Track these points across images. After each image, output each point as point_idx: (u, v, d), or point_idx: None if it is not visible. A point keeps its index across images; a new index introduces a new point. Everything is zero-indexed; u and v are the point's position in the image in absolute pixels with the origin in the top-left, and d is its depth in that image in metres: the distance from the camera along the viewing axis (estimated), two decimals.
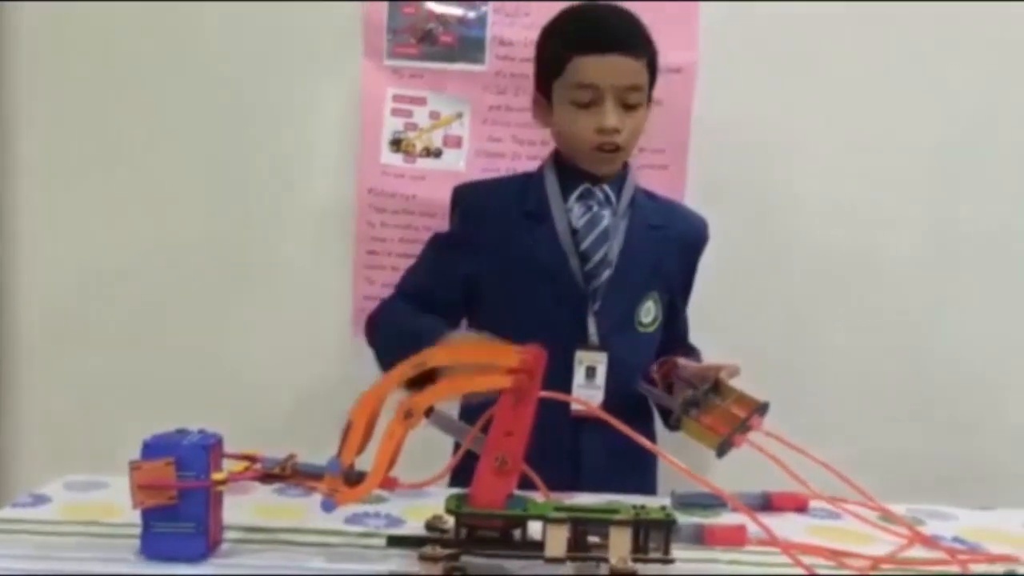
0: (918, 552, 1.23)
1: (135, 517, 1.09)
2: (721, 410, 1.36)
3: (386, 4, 2.11)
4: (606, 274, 1.64)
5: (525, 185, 1.71)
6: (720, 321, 2.01)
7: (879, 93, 2.13)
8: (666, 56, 2.01)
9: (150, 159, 2.17)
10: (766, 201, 2.16)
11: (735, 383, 1.43)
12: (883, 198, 2.15)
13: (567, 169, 1.68)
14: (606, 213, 1.66)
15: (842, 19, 2.12)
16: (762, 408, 1.38)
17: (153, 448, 1.09)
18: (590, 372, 1.58)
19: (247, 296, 2.17)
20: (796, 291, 2.16)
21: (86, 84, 2.16)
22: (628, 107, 1.60)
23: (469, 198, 1.73)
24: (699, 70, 2.10)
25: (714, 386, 1.41)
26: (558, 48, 1.62)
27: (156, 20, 2.14)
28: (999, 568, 1.19)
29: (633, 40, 1.61)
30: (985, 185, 2.15)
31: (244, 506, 1.27)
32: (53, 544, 1.14)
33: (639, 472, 1.63)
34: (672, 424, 1.38)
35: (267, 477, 1.32)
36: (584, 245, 1.64)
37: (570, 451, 1.52)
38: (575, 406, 1.48)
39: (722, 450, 1.31)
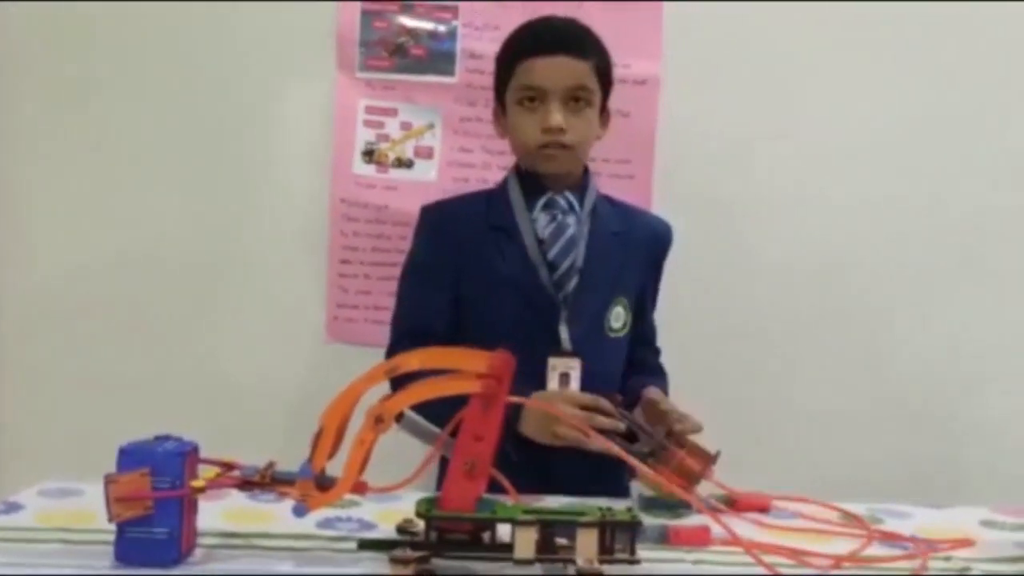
0: (878, 550, 1.24)
1: (110, 524, 1.08)
2: (677, 462, 1.38)
3: (358, 18, 2.11)
4: (574, 281, 1.64)
5: (490, 199, 1.72)
6: (687, 326, 2.02)
7: (841, 101, 2.15)
8: (630, 68, 2.06)
9: (127, 168, 2.15)
10: (731, 208, 2.17)
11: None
12: (848, 202, 2.17)
13: (529, 180, 1.68)
14: (571, 221, 1.66)
15: (801, 29, 2.14)
16: (714, 458, 1.40)
17: (129, 455, 1.08)
18: (564, 378, 1.58)
19: (222, 304, 2.16)
20: (763, 295, 2.18)
21: (67, 90, 2.15)
22: (575, 108, 1.61)
23: (436, 218, 1.73)
24: (663, 82, 2.11)
25: (667, 433, 1.43)
26: (508, 54, 1.66)
27: (132, 33, 2.13)
28: (955, 563, 1.20)
29: (577, 42, 1.63)
30: (951, 188, 2.17)
31: (218, 511, 1.26)
32: (27, 551, 1.12)
33: (609, 474, 1.62)
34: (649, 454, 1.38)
35: (245, 484, 1.31)
36: (552, 254, 1.64)
37: (540, 455, 1.51)
38: None
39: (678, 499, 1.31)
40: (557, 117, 1.59)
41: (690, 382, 1.85)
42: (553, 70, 1.60)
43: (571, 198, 1.67)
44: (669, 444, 1.41)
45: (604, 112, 1.70)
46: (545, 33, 1.65)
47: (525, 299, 1.63)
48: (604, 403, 1.49)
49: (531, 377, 1.52)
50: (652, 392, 1.57)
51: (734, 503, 1.39)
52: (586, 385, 1.58)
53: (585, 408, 1.47)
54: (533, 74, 1.61)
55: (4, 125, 2.15)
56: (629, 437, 1.43)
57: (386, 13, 2.12)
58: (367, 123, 2.13)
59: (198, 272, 2.16)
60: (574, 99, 1.61)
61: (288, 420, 1.90)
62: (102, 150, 2.15)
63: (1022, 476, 1.33)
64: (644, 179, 2.13)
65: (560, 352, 1.60)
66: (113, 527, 1.07)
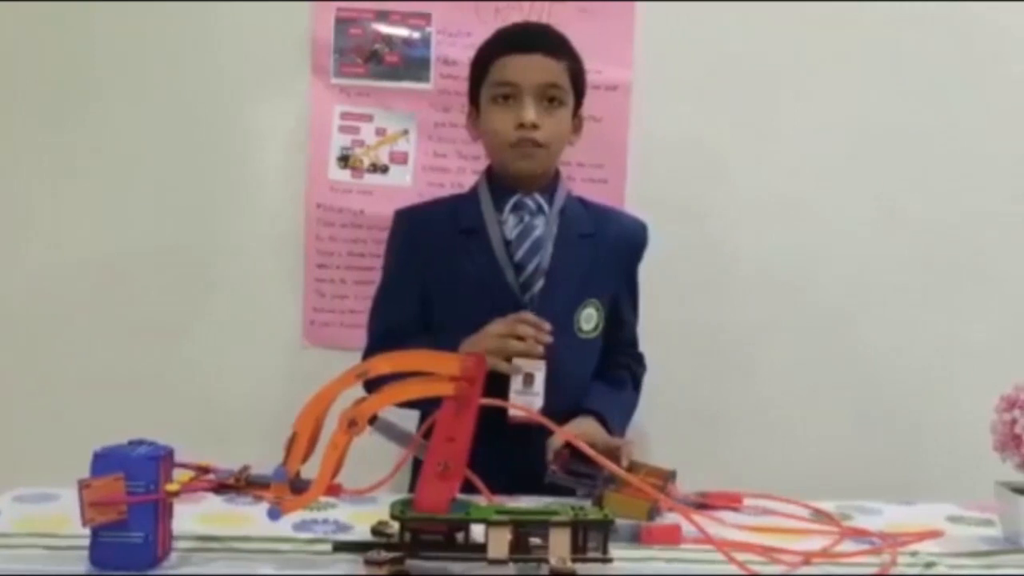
0: (847, 546, 1.24)
1: (85, 528, 1.07)
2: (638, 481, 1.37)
3: (333, 25, 2.11)
4: (540, 282, 1.64)
5: (461, 202, 1.73)
6: (661, 328, 2.01)
7: (810, 107, 2.16)
8: (602, 74, 2.06)
9: (102, 174, 2.13)
10: (702, 210, 2.17)
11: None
12: (817, 206, 2.17)
13: (500, 183, 1.69)
14: (539, 222, 1.67)
15: (772, 36, 2.15)
16: (672, 475, 1.41)
17: (103, 459, 1.07)
18: (528, 379, 1.57)
19: (198, 309, 2.15)
20: (734, 297, 2.18)
21: (45, 97, 2.12)
22: (548, 107, 1.62)
23: (408, 222, 1.74)
24: (634, 87, 2.12)
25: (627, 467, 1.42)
26: (484, 54, 1.67)
27: (108, 39, 2.12)
28: (922, 558, 1.20)
29: (550, 41, 1.65)
30: (918, 194, 2.18)
31: (195, 515, 1.25)
32: (3, 556, 1.11)
33: None
34: (593, 501, 1.36)
35: (221, 487, 1.30)
36: (518, 256, 1.65)
37: (509, 455, 1.51)
38: (513, 412, 1.47)
39: (652, 515, 1.30)
40: (531, 113, 1.60)
41: (662, 383, 1.87)
42: (527, 67, 1.61)
43: (540, 200, 1.68)
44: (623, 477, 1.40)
45: (576, 118, 1.71)
46: (520, 33, 1.69)
47: (491, 300, 1.62)
48: (527, 316, 1.54)
49: (497, 377, 1.51)
50: (581, 438, 1.37)
51: (706, 501, 1.40)
52: (554, 386, 1.57)
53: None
54: (507, 70, 1.62)
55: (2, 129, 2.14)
56: (590, 475, 1.40)
57: (361, 20, 2.11)
58: (342, 129, 2.13)
59: (175, 277, 2.14)
60: (548, 98, 1.62)
61: (266, 424, 1.88)
62: (77, 158, 2.13)
63: (987, 473, 1.34)
64: (617, 183, 2.14)
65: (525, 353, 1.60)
66: (88, 531, 1.07)
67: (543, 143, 1.62)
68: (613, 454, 1.41)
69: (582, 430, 1.52)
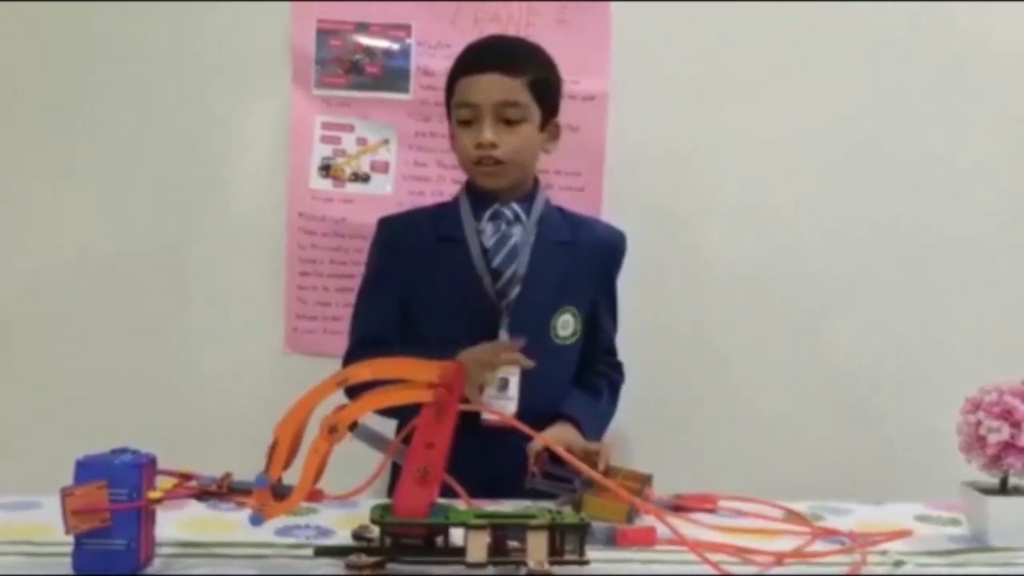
0: (818, 546, 1.25)
1: (68, 536, 1.06)
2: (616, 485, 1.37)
3: (314, 36, 2.10)
4: (516, 290, 1.65)
5: (441, 212, 1.74)
6: (638, 329, 2.03)
7: (779, 115, 2.17)
8: (579, 85, 2.07)
9: (85, 181, 2.12)
10: (678, 215, 2.18)
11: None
12: (789, 210, 2.19)
13: (479, 193, 1.69)
14: (516, 231, 1.67)
15: (742, 48, 2.16)
16: (649, 479, 1.41)
17: (86, 467, 1.06)
18: (503, 383, 1.58)
19: (181, 316, 2.14)
20: (708, 300, 2.19)
21: (29, 103, 2.11)
22: (508, 124, 1.62)
23: (389, 230, 1.74)
24: (611, 97, 2.12)
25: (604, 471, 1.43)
26: (451, 74, 1.68)
27: (93, 47, 2.11)
28: (891, 557, 1.21)
29: (507, 60, 1.64)
30: (888, 199, 2.19)
31: (177, 522, 1.25)
32: None
33: None
34: (572, 505, 1.36)
35: (203, 494, 1.29)
36: (495, 263, 1.66)
37: (484, 460, 1.51)
38: (485, 416, 1.47)
39: (631, 518, 1.30)
40: (487, 134, 1.61)
41: (639, 386, 1.87)
42: (483, 87, 1.62)
43: (518, 209, 1.68)
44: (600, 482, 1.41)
45: (553, 126, 1.71)
46: (477, 52, 1.68)
47: (469, 306, 1.64)
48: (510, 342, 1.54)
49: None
50: (560, 442, 1.40)
51: (681, 503, 1.40)
52: (530, 391, 1.58)
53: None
54: (467, 91, 1.63)
55: None
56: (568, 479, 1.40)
57: (341, 32, 2.11)
58: (324, 139, 2.12)
59: (158, 284, 2.13)
60: (506, 117, 1.62)
61: (249, 430, 1.87)
62: (66, 164, 2.12)
63: (954, 474, 1.35)
64: (594, 190, 2.14)
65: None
66: (71, 539, 1.06)
67: (503, 160, 1.63)
68: (591, 459, 1.42)
69: (560, 435, 1.52)
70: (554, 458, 1.34)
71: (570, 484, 1.36)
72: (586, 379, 1.75)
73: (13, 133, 2.12)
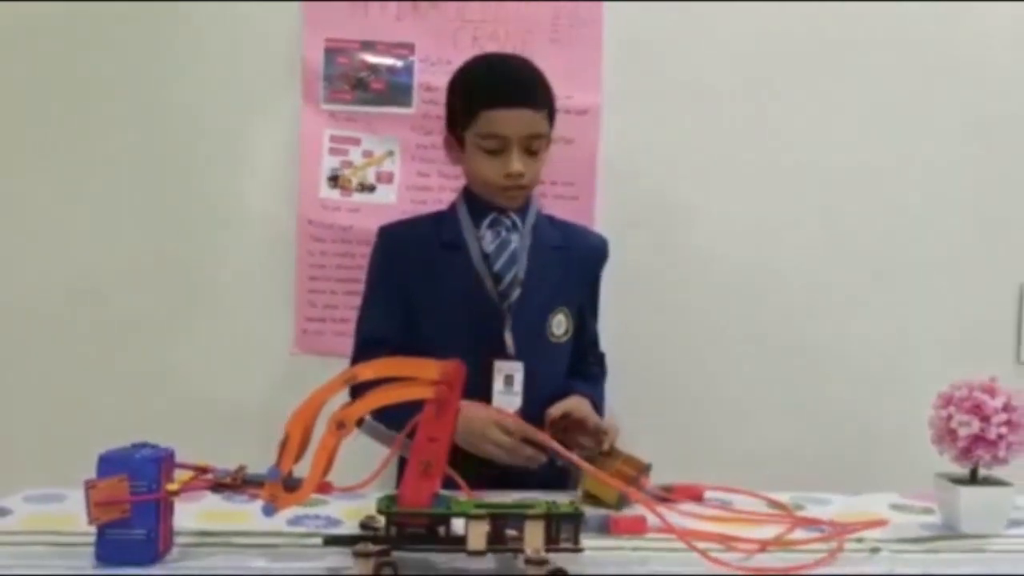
0: (800, 534, 1.25)
1: (91, 526, 1.07)
2: (615, 469, 1.40)
3: (322, 55, 2.11)
4: (517, 292, 1.65)
5: (441, 219, 1.73)
6: (628, 330, 2.04)
7: (762, 125, 2.18)
8: (573, 100, 2.08)
9: (116, 186, 2.13)
10: (666, 223, 2.18)
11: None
12: (770, 217, 2.19)
13: (477, 201, 1.69)
14: (514, 237, 1.67)
15: (726, 65, 2.17)
16: (647, 468, 1.43)
17: (108, 462, 1.07)
18: (508, 380, 1.59)
19: (199, 319, 2.14)
20: (695, 303, 2.19)
21: (44, 117, 2.12)
22: (531, 153, 1.62)
23: (391, 237, 1.73)
24: (603, 111, 2.13)
25: (601, 453, 1.46)
26: (469, 101, 1.62)
27: (112, 62, 2.12)
28: (867, 544, 1.22)
29: (535, 94, 1.62)
30: (866, 208, 2.20)
31: (194, 512, 1.25)
32: (15, 553, 1.11)
33: (556, 480, 1.62)
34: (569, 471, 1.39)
35: (218, 486, 1.29)
36: (496, 267, 1.66)
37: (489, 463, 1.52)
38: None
39: (620, 504, 1.33)
40: (518, 166, 1.59)
41: (629, 383, 1.88)
42: (515, 122, 1.58)
43: (515, 217, 1.69)
44: (605, 457, 1.44)
45: (548, 141, 1.71)
46: (507, 84, 1.62)
47: (472, 308, 1.64)
48: (535, 435, 1.39)
49: (478, 380, 1.53)
50: (577, 411, 1.55)
51: (671, 493, 1.41)
52: (530, 386, 1.60)
53: (518, 435, 1.48)
54: (496, 124, 1.58)
55: None
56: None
57: (348, 50, 2.12)
58: (332, 151, 2.13)
59: (177, 288, 2.14)
60: (530, 145, 1.61)
61: (261, 426, 1.88)
62: (91, 175, 2.13)
63: (927, 465, 1.35)
64: (587, 200, 2.15)
65: (504, 356, 1.62)
66: (94, 529, 1.06)
67: (528, 186, 1.64)
68: (600, 435, 1.49)
69: (578, 405, 1.57)
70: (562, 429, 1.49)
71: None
72: (582, 370, 1.76)
73: (47, 144, 2.13)
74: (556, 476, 1.57)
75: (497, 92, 1.60)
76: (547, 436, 1.28)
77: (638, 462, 1.43)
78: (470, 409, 1.46)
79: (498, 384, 1.58)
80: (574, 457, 1.23)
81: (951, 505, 1.30)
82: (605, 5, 2.13)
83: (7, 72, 2.12)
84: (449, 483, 1.16)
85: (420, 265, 1.67)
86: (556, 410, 1.55)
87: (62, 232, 2.13)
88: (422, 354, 1.15)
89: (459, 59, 1.73)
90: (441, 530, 1.09)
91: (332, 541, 1.12)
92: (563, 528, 1.08)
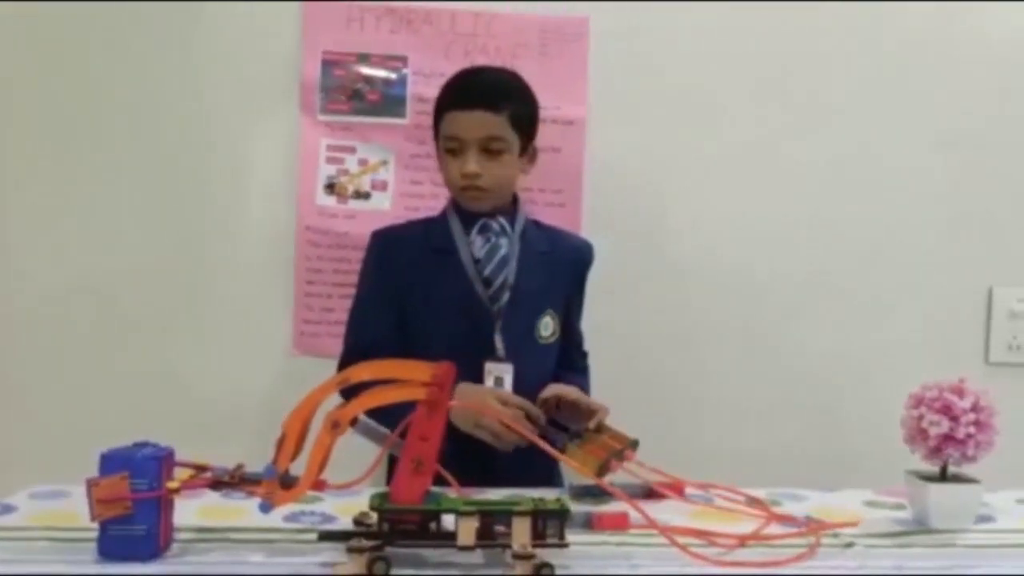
0: (777, 529, 1.25)
1: (93, 523, 1.06)
2: (601, 442, 1.42)
3: (320, 67, 2.11)
4: (507, 295, 1.65)
5: (432, 225, 1.73)
6: (614, 332, 2.04)
7: (744, 133, 2.18)
8: (560, 110, 2.08)
9: (120, 191, 2.12)
10: (649, 230, 2.18)
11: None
12: (750, 222, 2.19)
13: (466, 208, 1.68)
14: (503, 242, 1.67)
15: (709, 75, 2.17)
16: (634, 443, 1.44)
17: (110, 460, 1.07)
18: (498, 381, 1.59)
19: (199, 322, 2.13)
20: (676, 305, 2.19)
21: (48, 122, 2.11)
22: (490, 154, 1.61)
23: (382, 242, 1.73)
24: (589, 122, 2.13)
25: (596, 426, 1.47)
26: (438, 106, 1.66)
27: (118, 72, 2.11)
28: (842, 539, 1.22)
29: (492, 97, 1.61)
30: (842, 211, 2.19)
31: (194, 509, 1.25)
32: (20, 548, 1.10)
33: (542, 465, 1.62)
34: (559, 448, 1.39)
35: (217, 484, 1.29)
36: (487, 271, 1.65)
37: (482, 450, 1.51)
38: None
39: (600, 472, 1.33)
40: (471, 166, 1.59)
41: (614, 382, 1.87)
42: (469, 123, 1.59)
43: (503, 222, 1.68)
44: (593, 432, 1.46)
45: (532, 150, 1.70)
46: (466, 88, 1.64)
47: (463, 312, 1.63)
48: (531, 408, 1.52)
49: (469, 381, 1.55)
50: (569, 393, 1.56)
51: (652, 490, 1.41)
52: (518, 386, 1.60)
53: (514, 406, 1.50)
54: (453, 125, 1.60)
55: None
56: (564, 427, 1.48)
57: (345, 62, 2.12)
58: (328, 160, 2.13)
59: (180, 291, 2.13)
60: (490, 148, 1.60)
61: (258, 425, 1.88)
62: (96, 181, 2.12)
63: (899, 463, 1.36)
64: (574, 207, 2.15)
65: (495, 358, 1.62)
66: (96, 525, 1.06)
67: (486, 188, 1.62)
68: (590, 413, 1.50)
69: (567, 388, 1.57)
70: (552, 410, 1.53)
71: (566, 432, 1.47)
72: (568, 367, 1.77)
73: (50, 151, 2.11)
74: (544, 472, 1.57)
75: (455, 95, 1.63)
76: (540, 412, 1.43)
77: (624, 437, 1.44)
78: (467, 386, 1.53)
79: (488, 385, 1.58)
80: (549, 448, 1.23)
81: (922, 502, 1.30)
82: (591, 20, 2.14)
83: (9, 79, 2.11)
84: (440, 480, 1.15)
85: (412, 269, 1.66)
86: (548, 392, 1.56)
87: (68, 239, 2.12)
88: (413, 356, 1.14)
89: (451, 71, 1.73)
90: (432, 526, 1.09)
91: (327, 537, 1.11)
92: (549, 524, 1.08)
